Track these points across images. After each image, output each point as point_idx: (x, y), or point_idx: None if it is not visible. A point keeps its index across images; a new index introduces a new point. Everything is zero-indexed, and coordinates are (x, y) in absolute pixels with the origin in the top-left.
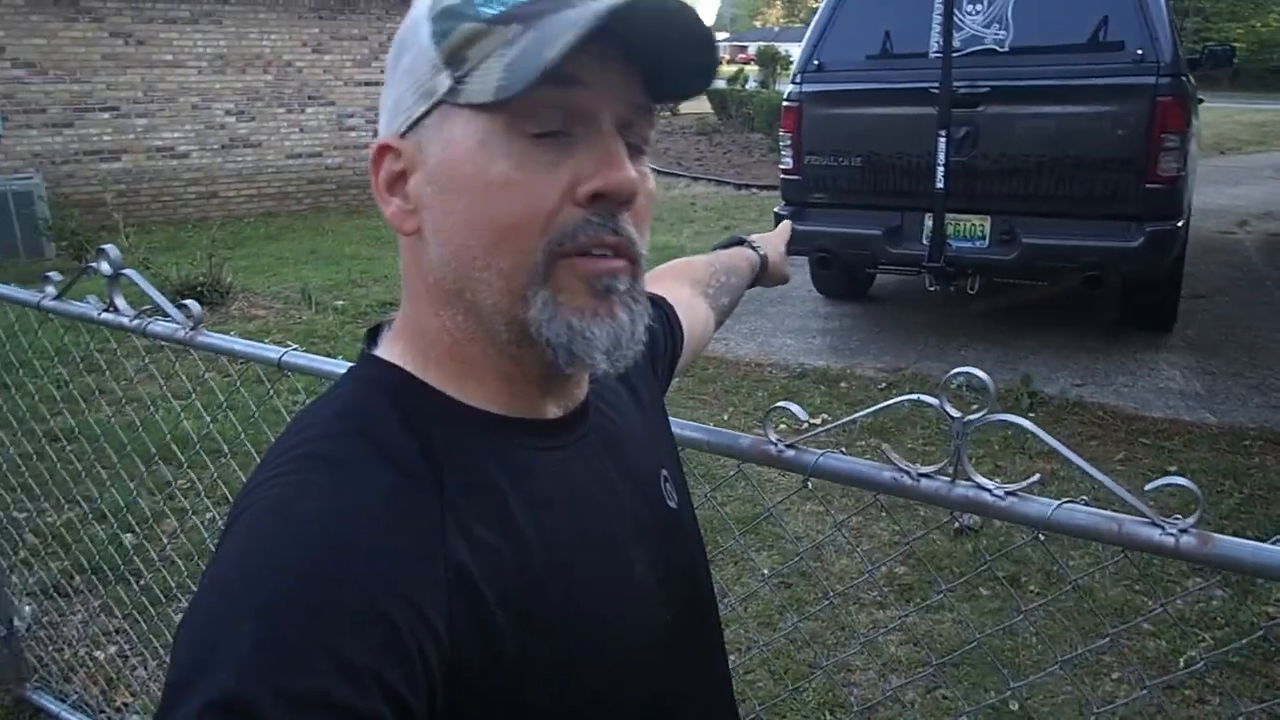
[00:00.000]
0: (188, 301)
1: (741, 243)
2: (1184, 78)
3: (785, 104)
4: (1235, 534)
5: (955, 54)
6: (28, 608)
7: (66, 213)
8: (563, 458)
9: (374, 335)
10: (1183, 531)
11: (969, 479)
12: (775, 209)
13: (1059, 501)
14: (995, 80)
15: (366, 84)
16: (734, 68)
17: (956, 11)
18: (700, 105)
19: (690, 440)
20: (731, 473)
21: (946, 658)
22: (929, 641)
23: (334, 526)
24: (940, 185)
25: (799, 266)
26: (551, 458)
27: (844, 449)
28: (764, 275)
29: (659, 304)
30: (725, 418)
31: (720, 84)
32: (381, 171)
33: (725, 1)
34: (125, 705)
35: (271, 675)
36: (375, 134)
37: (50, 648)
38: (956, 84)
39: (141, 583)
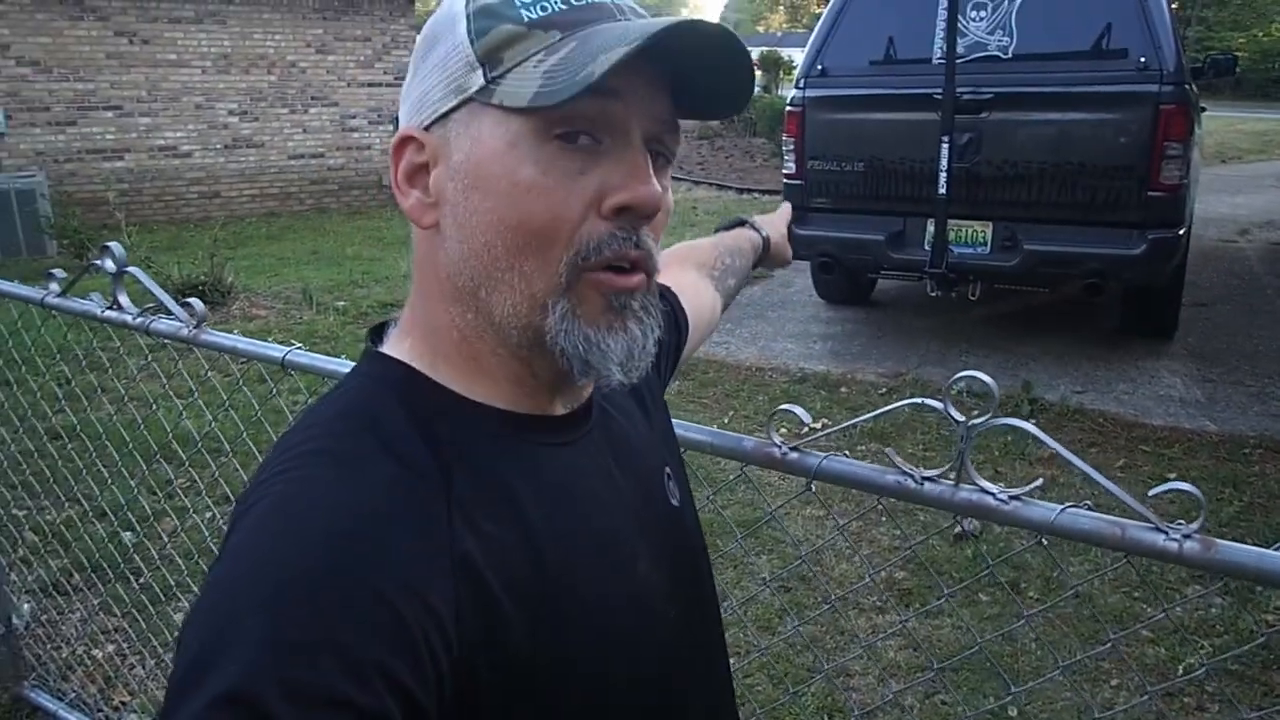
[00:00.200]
0: (191, 300)
1: (744, 224)
2: (1187, 86)
3: (788, 108)
4: (1235, 541)
5: (959, 60)
6: (26, 605)
7: (69, 211)
8: (568, 454)
9: (378, 333)
10: (1186, 537)
11: (973, 483)
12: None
13: (1062, 506)
14: (998, 87)
15: (369, 85)
16: None
17: (960, 18)
18: None
19: (694, 442)
20: (733, 476)
21: (946, 663)
22: (928, 647)
23: (339, 521)
24: (942, 191)
25: (801, 271)
26: (557, 454)
27: (846, 452)
28: (767, 256)
29: (663, 294)
30: (726, 421)
31: None
32: (402, 162)
33: (728, 6)
34: (123, 704)
35: (277, 671)
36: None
37: (48, 646)
38: (960, 90)
39: (141, 581)
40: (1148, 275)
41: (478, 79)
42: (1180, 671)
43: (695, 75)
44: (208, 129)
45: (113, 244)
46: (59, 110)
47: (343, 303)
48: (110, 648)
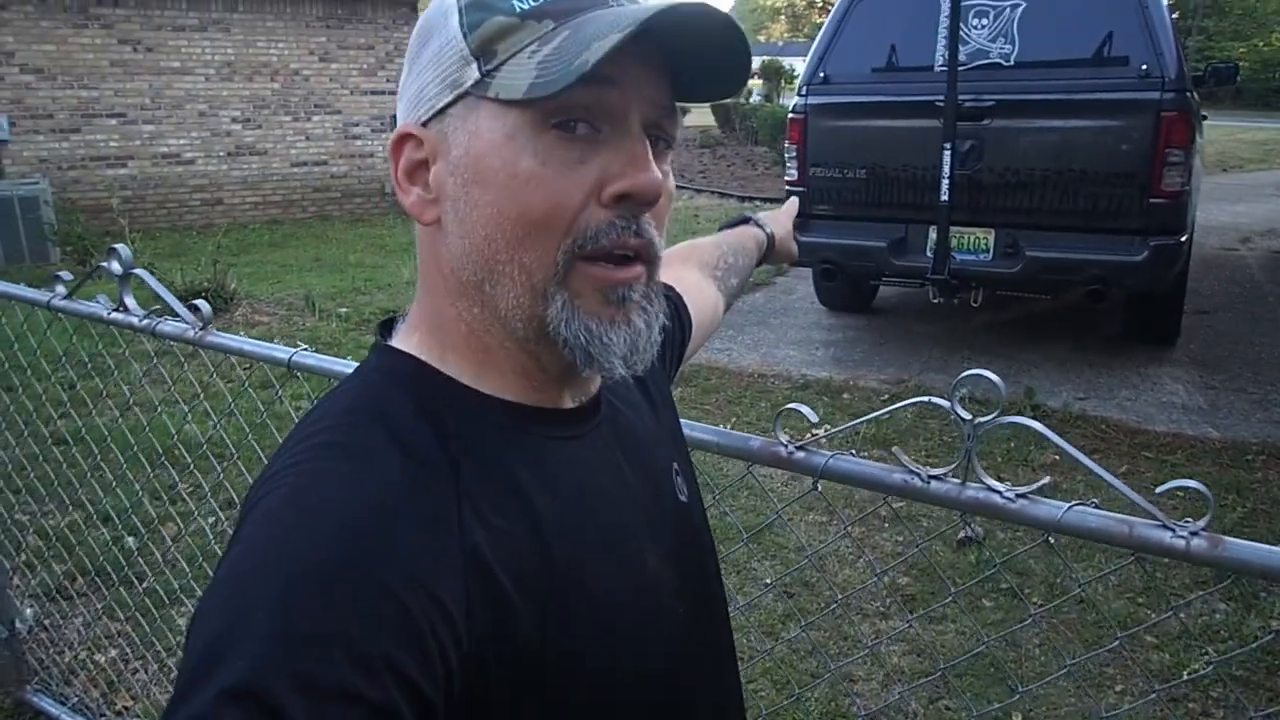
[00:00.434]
0: (197, 301)
1: (748, 221)
2: (1188, 93)
3: (791, 116)
4: None
5: (961, 67)
6: (29, 610)
7: (72, 218)
8: (576, 447)
9: (387, 327)
10: (1193, 534)
11: (979, 481)
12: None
13: (1069, 504)
14: (1000, 94)
15: (373, 93)
16: None
17: (962, 25)
18: (704, 118)
19: (701, 442)
20: (740, 475)
21: (952, 662)
22: (932, 652)
23: (349, 515)
24: (945, 198)
25: (803, 278)
26: (565, 447)
27: (854, 451)
28: (771, 253)
29: (666, 293)
30: (729, 427)
31: None
32: (401, 159)
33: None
34: (126, 709)
35: (287, 664)
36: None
37: (51, 650)
38: (962, 97)
39: (144, 586)
40: (1150, 282)
41: (473, 72)
42: (1185, 677)
43: (691, 58)
44: (211, 136)
45: (119, 245)
46: (63, 118)
47: (345, 309)
48: (113, 652)
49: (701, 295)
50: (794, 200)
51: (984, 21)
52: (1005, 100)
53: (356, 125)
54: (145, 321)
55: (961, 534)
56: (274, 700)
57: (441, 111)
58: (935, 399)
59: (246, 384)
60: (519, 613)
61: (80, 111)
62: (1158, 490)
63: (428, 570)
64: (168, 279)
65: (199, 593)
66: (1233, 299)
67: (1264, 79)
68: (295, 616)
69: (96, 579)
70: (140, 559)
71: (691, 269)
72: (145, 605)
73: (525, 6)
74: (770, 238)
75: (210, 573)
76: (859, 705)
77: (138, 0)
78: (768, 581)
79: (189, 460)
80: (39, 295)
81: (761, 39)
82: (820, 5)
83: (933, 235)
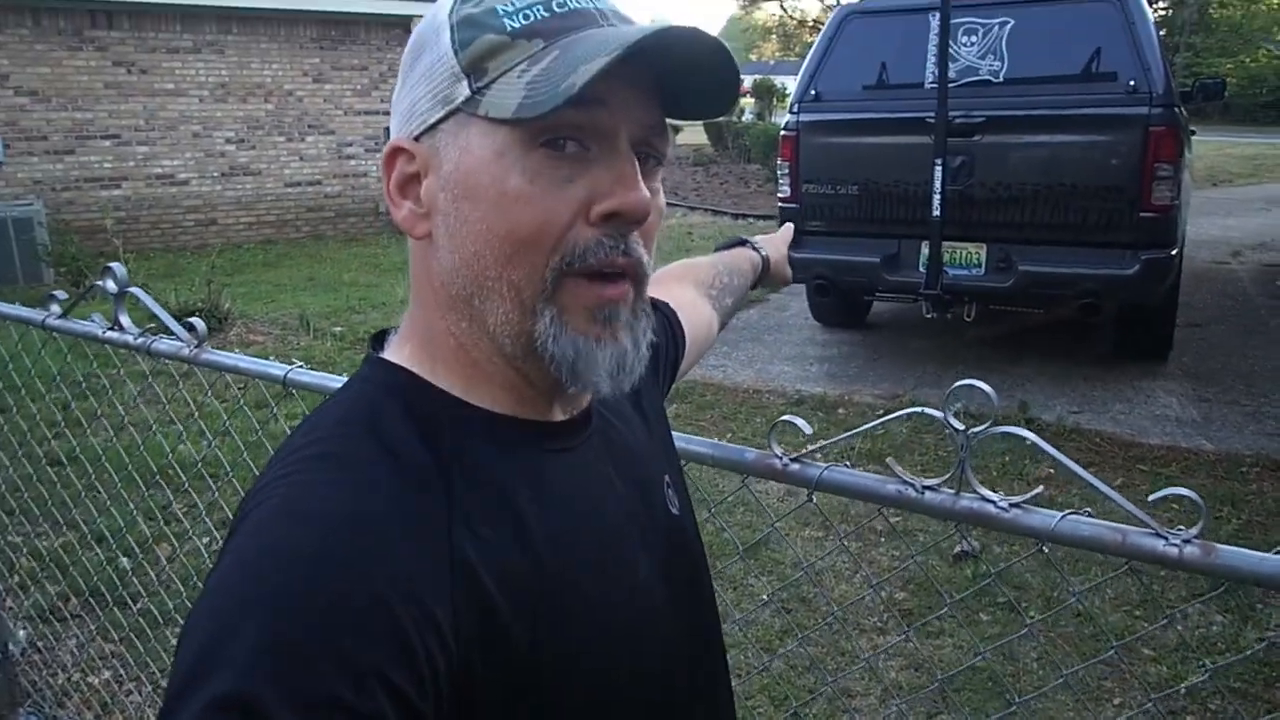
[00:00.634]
0: (193, 319)
1: (744, 243)
2: (1176, 109)
3: (783, 133)
4: None
5: (951, 84)
6: (22, 632)
7: (66, 239)
8: (568, 460)
9: (380, 340)
10: (1186, 542)
11: (974, 492)
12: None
13: (1063, 513)
14: (990, 110)
15: (366, 113)
16: None
17: (952, 43)
18: (697, 136)
19: (696, 455)
20: (731, 496)
21: (949, 673)
22: (930, 666)
23: (341, 526)
24: (937, 213)
25: (797, 294)
26: (557, 459)
27: (849, 462)
28: (766, 276)
29: (660, 309)
30: (723, 442)
31: None
32: (394, 173)
33: (721, 35)
34: None
35: (276, 674)
36: (375, 162)
37: (45, 672)
38: (952, 114)
39: (138, 607)
40: (1141, 295)
41: (463, 90)
42: (1183, 690)
43: (680, 78)
44: (205, 157)
45: (114, 264)
46: (57, 139)
47: (339, 328)
48: (107, 674)
49: (696, 312)
50: (789, 226)
51: (973, 39)
52: (995, 116)
53: (350, 145)
54: (140, 340)
55: (958, 548)
56: (263, 710)
57: (433, 126)
58: (929, 410)
59: (241, 402)
60: (509, 621)
61: (74, 133)
62: (1151, 498)
63: (418, 581)
64: (162, 299)
65: None
66: (1225, 312)
67: (1251, 94)
68: (285, 627)
69: (90, 600)
70: (135, 579)
71: (687, 287)
72: (139, 626)
73: (516, 25)
74: (765, 260)
75: (209, 571)
76: None
77: (132, 23)
78: (764, 597)
79: (184, 480)
80: (34, 314)
81: (753, 58)
82: (811, 24)
83: (925, 250)
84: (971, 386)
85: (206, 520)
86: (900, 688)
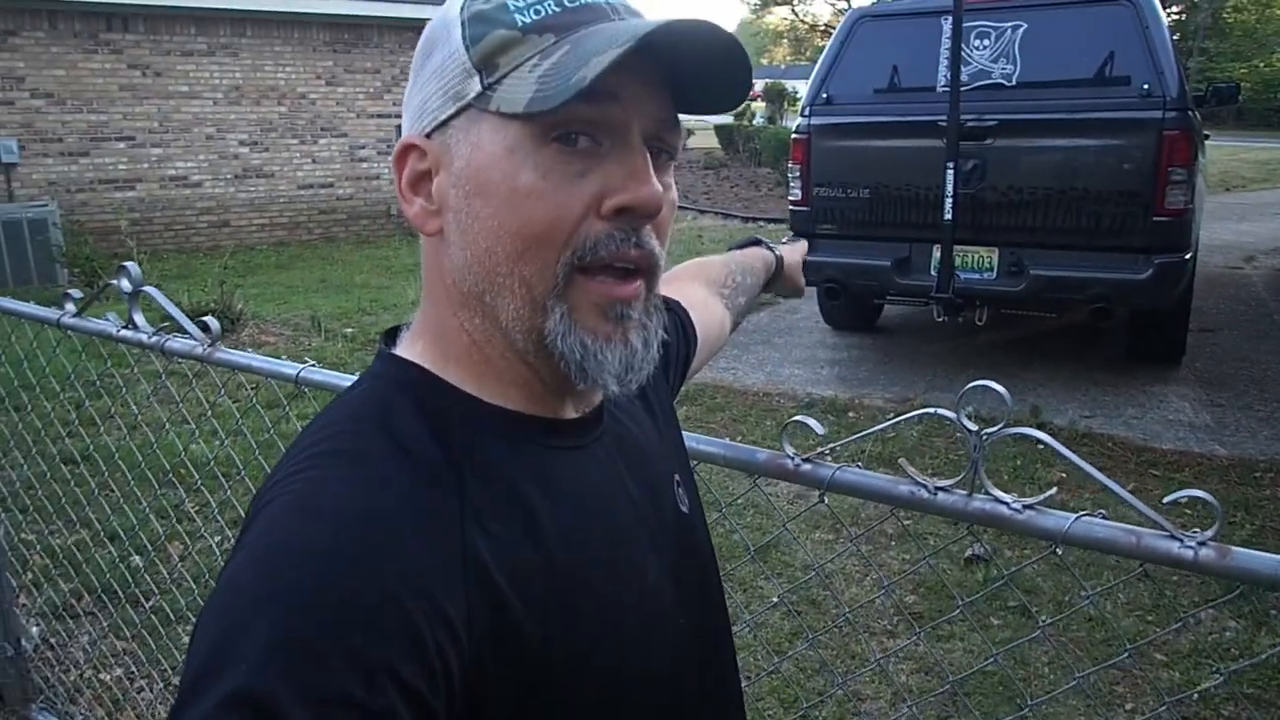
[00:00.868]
0: (206, 318)
1: (758, 243)
2: (1190, 112)
3: (794, 136)
4: None
5: (963, 88)
6: (35, 628)
7: (80, 240)
8: (578, 458)
9: (392, 336)
10: (1201, 544)
11: (986, 493)
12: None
13: (1077, 515)
14: (1003, 114)
15: (379, 116)
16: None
17: (964, 46)
18: (708, 140)
19: (707, 455)
20: (741, 498)
21: (960, 675)
22: (940, 670)
23: (352, 523)
24: (948, 217)
25: (808, 298)
26: (568, 457)
27: (860, 463)
28: (779, 279)
29: (672, 308)
30: None
31: (728, 119)
32: (405, 170)
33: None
34: None
35: (289, 671)
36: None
37: (57, 668)
38: (964, 117)
39: (150, 604)
40: (1154, 300)
41: (474, 85)
42: (1196, 696)
43: (691, 71)
44: (218, 159)
45: (129, 264)
46: (72, 141)
47: (351, 329)
48: (118, 671)
49: (708, 312)
50: (804, 242)
51: (985, 42)
52: (1008, 120)
53: (363, 148)
54: (154, 338)
55: (969, 552)
56: (275, 706)
57: (444, 123)
58: (942, 410)
59: (254, 401)
60: (521, 617)
61: (89, 135)
62: (1165, 500)
63: (430, 577)
64: (175, 300)
65: None
66: (1238, 317)
67: (1265, 99)
68: (297, 623)
69: (103, 597)
70: (147, 577)
71: (699, 286)
72: (151, 624)
73: (527, 20)
74: (779, 260)
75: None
76: None
77: (147, 25)
78: (774, 600)
79: (196, 479)
80: (49, 313)
81: (765, 62)
82: (822, 29)
83: (937, 254)
84: (984, 388)
85: (219, 519)
86: (911, 691)
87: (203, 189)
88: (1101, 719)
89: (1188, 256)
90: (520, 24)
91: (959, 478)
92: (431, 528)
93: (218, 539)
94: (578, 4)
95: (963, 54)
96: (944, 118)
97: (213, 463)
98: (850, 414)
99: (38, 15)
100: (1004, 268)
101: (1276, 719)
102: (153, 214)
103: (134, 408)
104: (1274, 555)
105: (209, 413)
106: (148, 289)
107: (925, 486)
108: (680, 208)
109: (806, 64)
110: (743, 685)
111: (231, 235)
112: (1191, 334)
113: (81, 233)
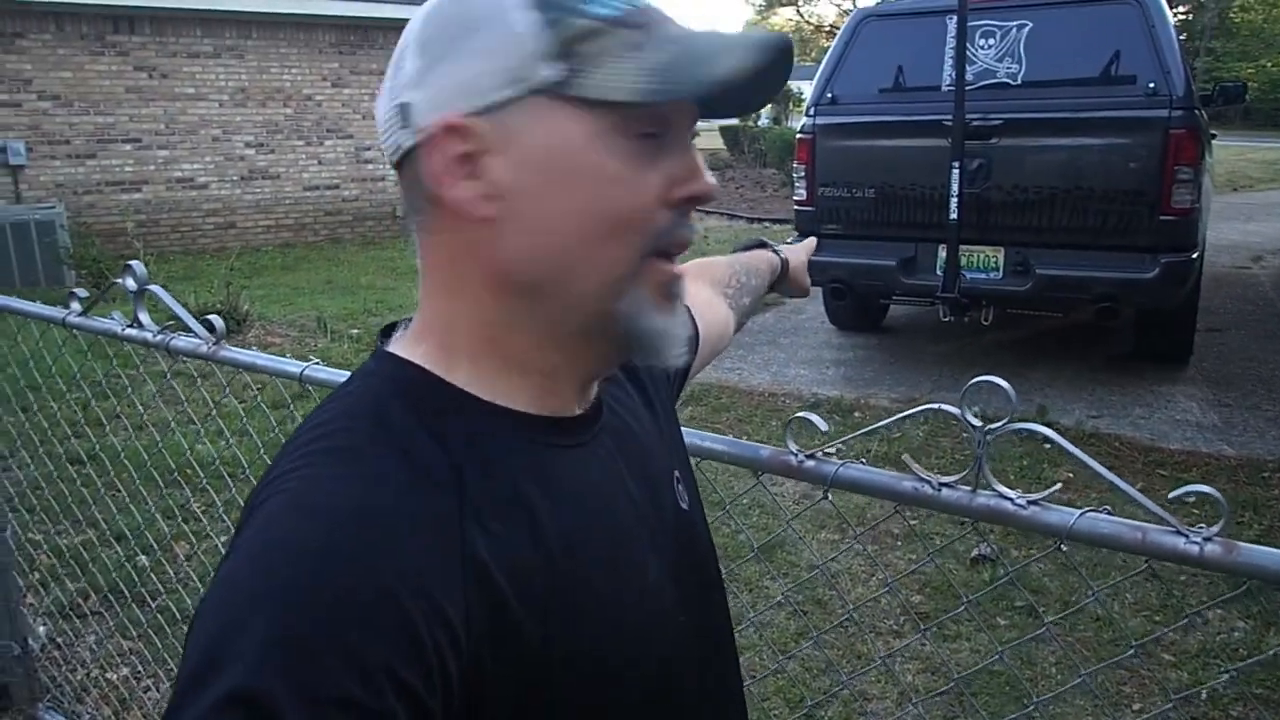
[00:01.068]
0: (211, 317)
1: (763, 245)
2: (1196, 111)
3: (799, 136)
4: None
5: (968, 87)
6: (42, 628)
7: (87, 241)
8: (579, 456)
9: (388, 332)
10: (1207, 540)
11: (991, 489)
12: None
13: (1082, 510)
14: (1008, 113)
15: None
16: None
17: (969, 46)
18: (713, 141)
19: (710, 451)
20: (746, 497)
21: (966, 675)
22: (947, 670)
23: (347, 521)
24: (954, 216)
25: (813, 298)
26: (569, 456)
27: (864, 460)
28: (784, 280)
29: None
30: None
31: (733, 120)
32: (445, 152)
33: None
34: None
35: (285, 669)
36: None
37: (64, 668)
38: (970, 117)
39: (156, 604)
40: (1160, 299)
41: (548, 71)
42: (1204, 695)
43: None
44: (224, 161)
45: (134, 262)
46: (79, 143)
47: (357, 330)
48: (125, 670)
49: (712, 311)
50: (812, 240)
51: (990, 41)
52: (1013, 119)
53: (368, 150)
54: (160, 337)
55: (975, 551)
56: (272, 705)
57: (499, 105)
58: (946, 406)
59: (260, 401)
60: (521, 617)
61: (96, 137)
62: (1170, 496)
63: (428, 576)
64: (181, 301)
65: None
66: (1245, 316)
67: (1272, 99)
68: (294, 622)
69: (109, 597)
70: (153, 577)
71: (703, 285)
72: (157, 623)
73: (606, 13)
74: (784, 262)
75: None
76: None
77: (153, 28)
78: (779, 599)
79: (202, 479)
80: (55, 312)
81: None
82: (827, 29)
83: (942, 254)
84: (989, 384)
85: (225, 519)
86: (917, 690)
87: (209, 191)
88: (1109, 718)
89: (1194, 256)
90: (600, 15)
91: (963, 474)
92: (430, 526)
93: (223, 539)
94: (644, 4)
95: (968, 53)
96: (949, 117)
97: (218, 463)
98: (856, 414)
99: (44, 17)
100: (1010, 267)
101: None
102: (159, 216)
103: (140, 408)
104: None
105: (214, 413)
106: (153, 288)
107: (929, 482)
108: None
109: (811, 65)
110: (748, 685)
111: (237, 237)
112: (1199, 334)
113: (88, 235)
